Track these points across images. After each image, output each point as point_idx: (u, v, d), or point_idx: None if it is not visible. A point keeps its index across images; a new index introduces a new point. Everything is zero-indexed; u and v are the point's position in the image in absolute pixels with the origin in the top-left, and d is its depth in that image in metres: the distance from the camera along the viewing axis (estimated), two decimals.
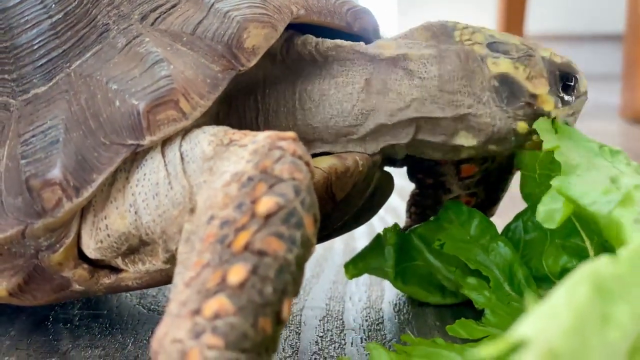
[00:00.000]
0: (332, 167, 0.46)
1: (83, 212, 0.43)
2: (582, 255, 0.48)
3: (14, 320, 0.52)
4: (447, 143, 0.48)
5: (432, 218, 0.54)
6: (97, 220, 0.43)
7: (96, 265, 0.45)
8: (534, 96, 0.46)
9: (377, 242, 0.53)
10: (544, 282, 0.49)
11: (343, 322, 0.52)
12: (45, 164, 0.40)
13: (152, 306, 0.55)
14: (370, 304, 0.55)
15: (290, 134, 0.37)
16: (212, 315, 0.31)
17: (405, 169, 0.61)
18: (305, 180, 0.35)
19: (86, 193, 0.40)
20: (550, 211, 0.40)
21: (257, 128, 0.49)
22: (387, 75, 0.47)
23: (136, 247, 0.43)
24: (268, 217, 0.33)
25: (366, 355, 0.46)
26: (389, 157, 0.52)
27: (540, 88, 0.46)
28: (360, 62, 0.48)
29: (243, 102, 0.49)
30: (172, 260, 0.42)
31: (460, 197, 0.59)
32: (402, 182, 0.65)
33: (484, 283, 0.50)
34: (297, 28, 0.49)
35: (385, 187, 0.53)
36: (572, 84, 0.47)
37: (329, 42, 0.48)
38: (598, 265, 0.27)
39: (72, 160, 0.40)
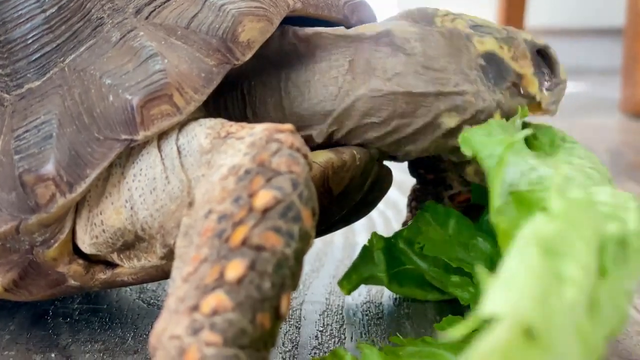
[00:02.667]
0: (328, 161, 0.46)
1: (78, 208, 0.43)
2: None
3: (14, 314, 0.52)
4: (430, 125, 0.46)
5: (411, 221, 0.53)
6: (92, 215, 0.43)
7: (91, 260, 0.45)
8: (520, 76, 0.45)
9: (365, 252, 0.53)
10: None
11: (343, 316, 0.52)
12: (38, 159, 0.40)
13: (152, 300, 0.55)
14: (370, 299, 0.55)
15: (288, 126, 0.37)
16: (210, 312, 0.31)
17: (406, 163, 0.60)
18: (303, 173, 0.35)
19: (80, 189, 0.40)
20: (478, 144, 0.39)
21: (246, 121, 0.48)
22: (371, 54, 0.46)
23: (131, 243, 0.43)
24: (265, 211, 0.33)
25: None
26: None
27: (526, 68, 0.46)
28: (342, 45, 0.47)
29: (230, 96, 0.49)
30: (168, 256, 0.42)
31: (462, 193, 0.58)
32: (403, 177, 0.64)
33: (468, 280, 0.50)
34: (293, 21, 0.49)
35: (384, 181, 0.53)
36: (551, 68, 0.46)
37: (307, 30, 0.48)
38: (538, 226, 0.27)
39: (65, 155, 0.39)
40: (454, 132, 0.46)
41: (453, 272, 0.50)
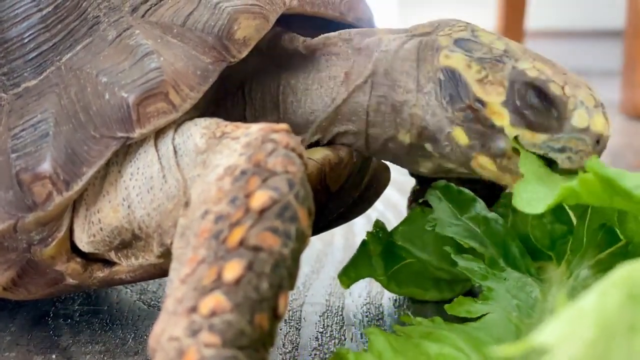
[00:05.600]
0: (325, 158, 0.46)
1: (75, 206, 0.43)
2: (565, 220, 0.47)
3: (15, 316, 0.52)
4: (392, 139, 0.45)
5: (408, 214, 0.52)
6: (90, 214, 0.43)
7: (90, 258, 0.45)
8: (481, 102, 0.41)
9: (364, 249, 0.52)
10: (537, 254, 0.47)
11: (343, 317, 0.52)
12: (35, 158, 0.40)
13: (153, 302, 0.55)
14: (370, 300, 0.55)
15: (283, 126, 0.37)
16: (208, 313, 0.31)
17: None
18: (298, 173, 0.34)
19: (76, 187, 0.40)
20: (531, 199, 0.38)
21: (245, 122, 0.48)
22: (365, 65, 0.45)
23: (129, 241, 0.43)
24: (262, 211, 0.33)
25: (366, 351, 0.46)
26: None
27: (492, 95, 0.41)
28: (344, 55, 0.46)
29: (231, 97, 0.49)
30: (166, 254, 0.42)
31: None
32: (403, 178, 0.64)
33: (479, 260, 0.48)
34: (289, 18, 0.49)
35: (382, 178, 0.53)
36: (551, 106, 0.40)
37: (316, 40, 0.47)
38: (633, 270, 0.26)
39: (62, 153, 0.40)
40: (417, 149, 0.44)
41: (464, 252, 0.48)
